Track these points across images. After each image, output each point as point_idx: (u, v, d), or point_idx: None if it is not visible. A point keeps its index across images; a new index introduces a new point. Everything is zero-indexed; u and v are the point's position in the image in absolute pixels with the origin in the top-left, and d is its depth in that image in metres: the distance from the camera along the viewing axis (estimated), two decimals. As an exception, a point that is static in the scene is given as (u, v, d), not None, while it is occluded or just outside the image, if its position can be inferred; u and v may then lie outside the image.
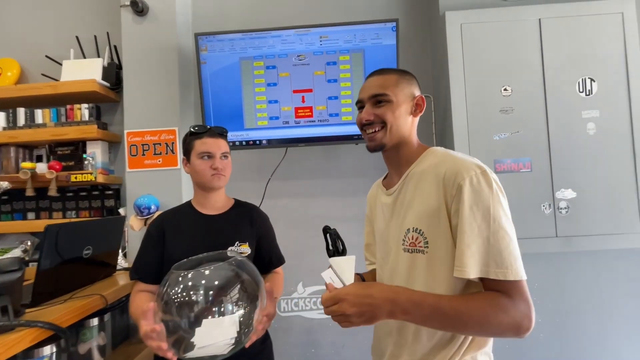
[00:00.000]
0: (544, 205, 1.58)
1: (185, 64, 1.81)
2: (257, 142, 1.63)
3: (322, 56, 1.57)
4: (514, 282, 0.63)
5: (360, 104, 0.83)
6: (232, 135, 1.62)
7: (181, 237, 1.10)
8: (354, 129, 1.61)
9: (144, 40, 1.76)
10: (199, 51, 1.59)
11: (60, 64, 1.84)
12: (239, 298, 0.78)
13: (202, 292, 0.76)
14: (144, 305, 0.80)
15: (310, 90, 1.59)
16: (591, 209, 1.56)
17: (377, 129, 0.79)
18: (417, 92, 0.82)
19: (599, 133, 1.59)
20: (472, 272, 0.63)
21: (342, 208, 1.87)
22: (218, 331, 0.74)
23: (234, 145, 1.64)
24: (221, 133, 1.15)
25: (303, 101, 1.59)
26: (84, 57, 1.90)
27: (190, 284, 0.76)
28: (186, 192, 1.78)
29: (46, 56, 1.90)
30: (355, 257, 0.75)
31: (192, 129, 1.14)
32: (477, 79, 1.60)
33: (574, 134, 1.59)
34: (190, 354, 0.74)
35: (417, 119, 0.83)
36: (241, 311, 0.78)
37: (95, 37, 1.90)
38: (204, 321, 0.74)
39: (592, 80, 1.60)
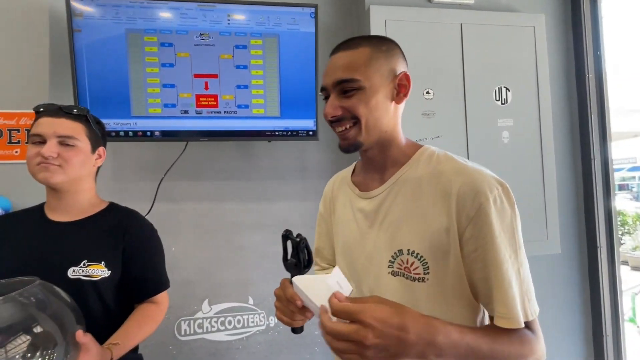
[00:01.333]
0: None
1: (58, 34, 1.45)
2: (148, 133, 1.35)
3: (230, 37, 1.35)
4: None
5: (324, 93, 0.64)
6: (115, 124, 1.32)
7: (8, 248, 0.84)
8: (267, 124, 1.42)
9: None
10: (71, 16, 1.26)
11: None
12: (25, 352, 0.52)
13: None
14: None
15: (215, 76, 1.35)
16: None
17: (348, 126, 0.61)
18: (401, 68, 0.63)
19: (513, 141, 1.61)
20: (522, 319, 0.54)
21: (257, 214, 1.66)
22: None
23: (117, 136, 1.33)
24: (69, 112, 0.86)
25: (206, 88, 1.35)
26: None
27: None
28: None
29: None
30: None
31: (35, 108, 0.87)
32: (400, 79, 1.52)
33: (490, 142, 1.59)
34: None
35: (402, 105, 0.64)
36: None
37: None
38: None
39: (507, 89, 1.62)
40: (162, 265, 0.97)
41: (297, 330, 0.63)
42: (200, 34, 1.34)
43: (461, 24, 1.59)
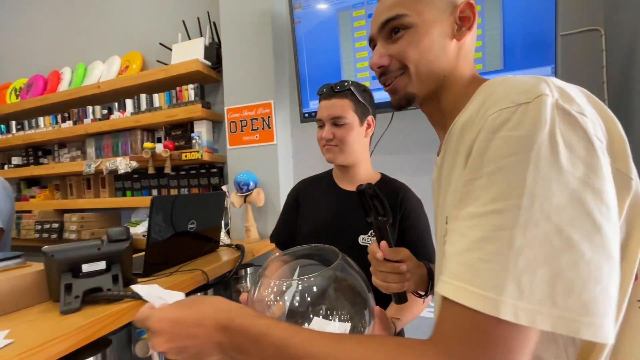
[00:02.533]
0: None
1: (278, 31, 1.68)
2: (358, 107, 1.39)
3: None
4: None
5: (372, 43, 0.55)
6: (329, 103, 1.42)
7: (313, 209, 0.99)
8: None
9: (240, 10, 1.69)
10: (292, 9, 1.42)
11: (171, 49, 1.94)
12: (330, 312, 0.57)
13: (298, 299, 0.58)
14: (241, 296, 0.67)
15: (424, 37, 1.25)
16: None
17: (394, 74, 0.52)
18: None
19: None
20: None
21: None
22: None
23: (331, 114, 1.43)
24: (339, 90, 0.91)
25: (415, 52, 1.27)
26: (189, 39, 1.96)
27: (280, 291, 0.59)
28: (283, 169, 1.69)
29: (160, 43, 2.03)
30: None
31: (317, 92, 0.99)
32: None
33: None
34: None
35: (465, 40, 0.50)
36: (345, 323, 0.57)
37: (198, 18, 1.94)
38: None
39: None
40: (432, 240, 0.94)
41: (401, 297, 0.65)
42: (408, -6, 1.25)
43: None
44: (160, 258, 1.09)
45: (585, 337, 0.29)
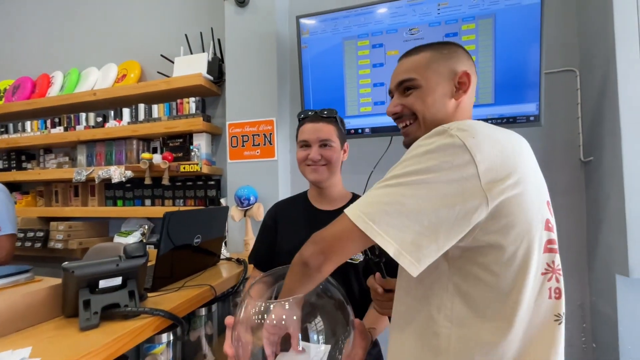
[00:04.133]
0: None
1: (282, 52, 1.75)
2: (360, 130, 1.48)
3: (439, 27, 1.33)
4: None
5: (391, 94, 0.73)
6: (332, 124, 1.50)
7: (292, 229, 1.03)
8: (479, 113, 1.34)
9: (245, 31, 1.75)
10: (300, 35, 1.50)
11: (172, 62, 1.96)
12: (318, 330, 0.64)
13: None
14: (227, 319, 0.73)
15: (423, 69, 1.36)
16: None
17: (408, 122, 0.69)
18: (461, 67, 0.66)
19: None
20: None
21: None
22: None
23: (333, 135, 1.51)
24: (326, 116, 1.00)
25: (414, 82, 1.38)
26: (191, 53, 1.99)
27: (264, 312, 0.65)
28: (283, 184, 1.73)
29: (161, 55, 2.05)
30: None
31: (298, 115, 1.05)
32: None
33: None
34: None
35: (463, 100, 0.67)
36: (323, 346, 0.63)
37: (200, 33, 1.98)
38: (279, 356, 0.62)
39: None
40: None
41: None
42: (410, 30, 1.36)
43: None
44: (167, 272, 1.10)
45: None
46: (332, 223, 0.58)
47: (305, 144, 0.99)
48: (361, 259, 0.97)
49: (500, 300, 0.52)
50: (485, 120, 1.33)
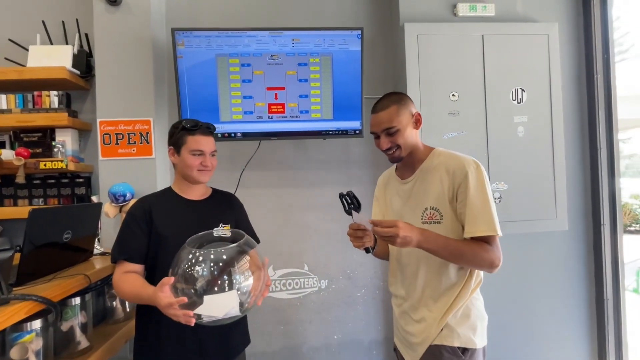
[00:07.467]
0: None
1: (159, 56, 1.85)
2: (233, 134, 1.74)
3: (294, 57, 1.71)
4: (494, 235, 0.98)
5: (375, 135, 1.09)
6: (207, 128, 1.71)
7: (170, 217, 1.18)
8: (322, 126, 1.78)
9: (117, 31, 1.77)
10: (175, 46, 1.65)
11: (26, 49, 1.80)
12: (246, 269, 0.98)
13: (218, 266, 0.96)
14: (164, 279, 0.93)
15: (282, 88, 1.72)
16: (518, 199, 1.87)
17: (394, 150, 1.07)
18: (414, 109, 1.08)
19: (527, 135, 1.89)
20: (480, 233, 0.98)
21: (310, 197, 2.04)
22: (220, 304, 0.91)
23: (209, 137, 1.73)
24: (212, 130, 1.24)
25: (276, 98, 1.72)
26: (51, 43, 1.87)
27: (210, 259, 0.95)
28: (161, 181, 1.84)
29: (9, 39, 1.84)
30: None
31: (185, 125, 1.19)
32: (430, 84, 1.83)
33: (506, 136, 1.88)
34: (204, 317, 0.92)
35: (419, 129, 1.10)
36: (246, 282, 0.98)
37: (63, 22, 1.88)
38: (205, 297, 0.91)
39: (522, 90, 1.90)
40: (253, 229, 1.36)
41: (368, 249, 1.04)
42: (272, 56, 1.70)
43: (483, 35, 1.87)
44: (34, 268, 1.13)
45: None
46: (490, 248, 0.99)
47: (200, 153, 1.18)
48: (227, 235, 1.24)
49: None
50: (327, 132, 1.79)
